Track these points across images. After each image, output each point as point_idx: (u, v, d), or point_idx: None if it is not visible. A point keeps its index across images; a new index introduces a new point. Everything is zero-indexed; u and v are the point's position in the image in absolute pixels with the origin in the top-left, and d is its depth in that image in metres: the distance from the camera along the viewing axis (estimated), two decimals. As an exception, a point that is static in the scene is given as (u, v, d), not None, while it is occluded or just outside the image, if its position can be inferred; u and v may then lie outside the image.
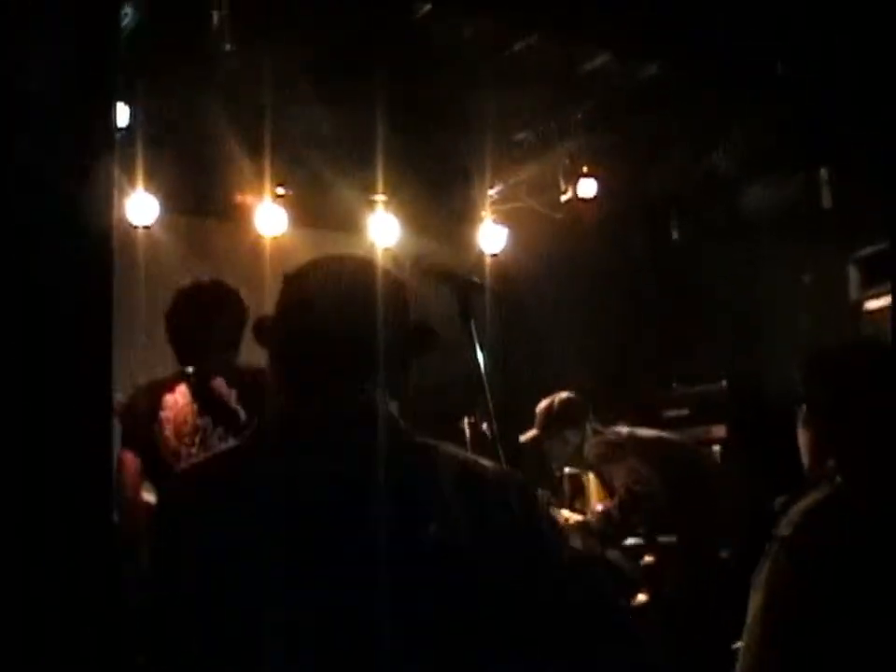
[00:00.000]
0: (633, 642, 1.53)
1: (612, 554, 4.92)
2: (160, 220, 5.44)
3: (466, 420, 4.27)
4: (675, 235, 6.24)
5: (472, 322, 2.39)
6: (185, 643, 1.48)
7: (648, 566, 4.84)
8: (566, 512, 4.86)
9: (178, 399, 3.36)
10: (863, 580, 1.83)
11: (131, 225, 5.26)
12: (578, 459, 4.94)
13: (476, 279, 2.57)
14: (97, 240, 1.89)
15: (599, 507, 4.81)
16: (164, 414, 3.34)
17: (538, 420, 4.94)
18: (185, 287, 3.47)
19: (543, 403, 4.94)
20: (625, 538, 4.79)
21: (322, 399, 1.56)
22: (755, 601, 1.89)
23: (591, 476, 4.95)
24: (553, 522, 1.60)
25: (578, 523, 4.79)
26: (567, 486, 5.32)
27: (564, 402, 4.90)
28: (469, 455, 1.60)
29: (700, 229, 6.17)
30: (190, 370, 3.36)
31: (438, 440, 1.58)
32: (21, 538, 1.74)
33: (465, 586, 1.46)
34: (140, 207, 5.26)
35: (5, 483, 1.74)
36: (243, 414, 3.27)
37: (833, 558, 1.86)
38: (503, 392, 4.57)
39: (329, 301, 1.58)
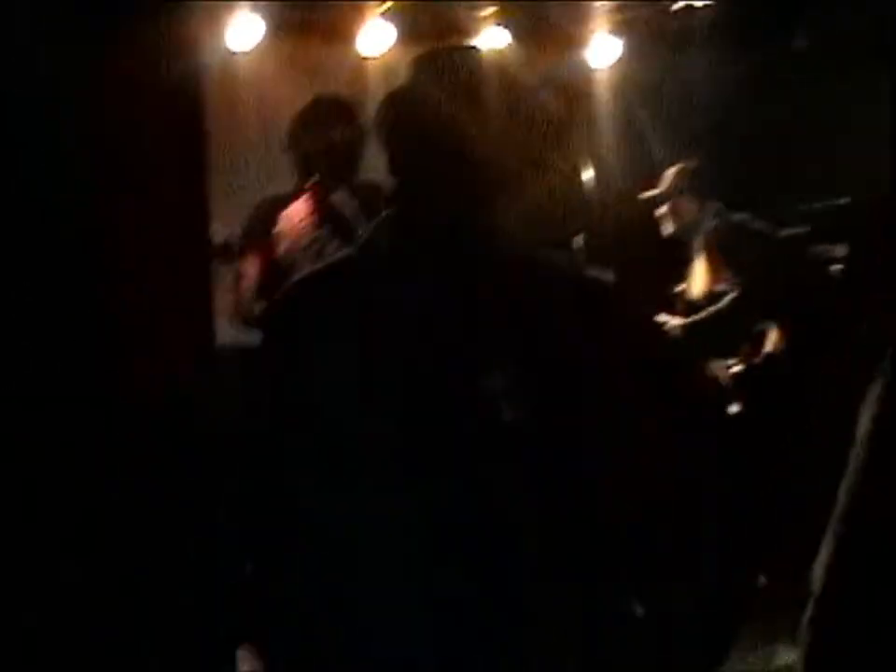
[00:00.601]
0: None
1: (711, 362, 4.85)
2: (261, 45, 5.31)
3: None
4: (799, 42, 5.89)
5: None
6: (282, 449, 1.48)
7: (743, 372, 4.77)
8: (664, 316, 4.74)
9: (298, 211, 3.43)
10: None
11: (229, 52, 5.14)
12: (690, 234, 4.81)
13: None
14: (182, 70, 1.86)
15: None
16: (280, 227, 3.42)
17: (664, 180, 4.84)
18: (306, 104, 3.52)
19: (675, 166, 4.84)
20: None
21: (436, 207, 1.51)
22: (866, 417, 1.82)
23: (699, 269, 4.79)
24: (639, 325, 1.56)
25: (680, 327, 4.70)
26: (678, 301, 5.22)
27: (692, 169, 4.81)
28: (567, 264, 1.55)
29: (827, 34, 5.80)
30: (311, 183, 3.41)
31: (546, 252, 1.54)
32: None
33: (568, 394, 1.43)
34: (241, 29, 5.11)
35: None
36: (362, 226, 3.29)
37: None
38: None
39: (449, 91, 1.50)
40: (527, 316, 1.45)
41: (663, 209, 4.86)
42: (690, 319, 4.71)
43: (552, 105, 2.37)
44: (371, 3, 5.39)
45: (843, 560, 1.75)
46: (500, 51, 5.44)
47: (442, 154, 1.48)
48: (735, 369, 4.81)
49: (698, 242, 4.72)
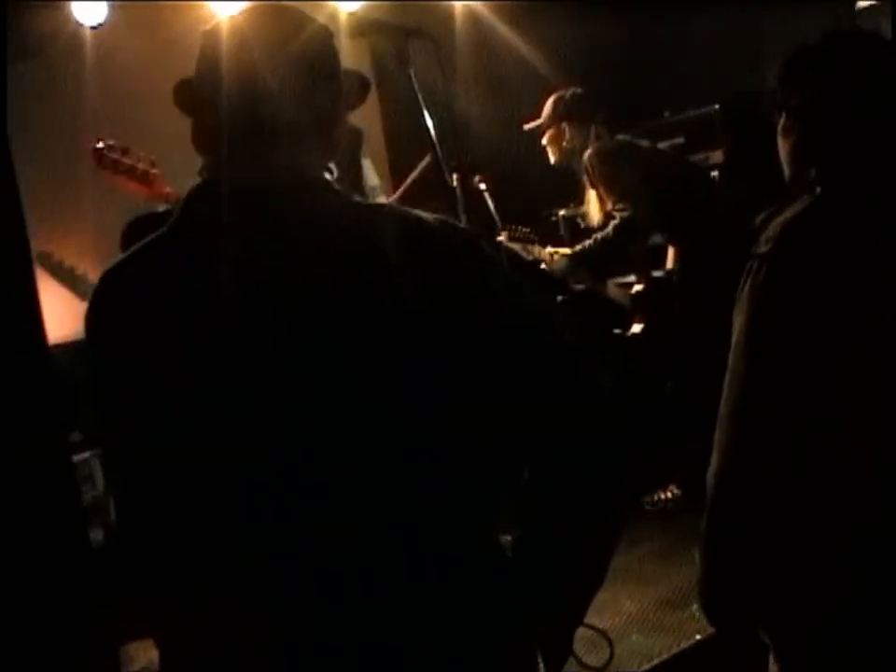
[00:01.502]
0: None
1: (607, 286, 4.88)
2: (110, 17, 5.12)
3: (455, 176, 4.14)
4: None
5: (412, 71, 2.24)
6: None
7: (639, 294, 4.82)
8: (550, 249, 4.77)
9: None
10: (850, 292, 1.74)
11: (78, 24, 4.96)
12: (573, 159, 4.81)
13: (414, 26, 2.39)
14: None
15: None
16: None
17: (545, 109, 4.81)
18: None
19: (554, 95, 4.81)
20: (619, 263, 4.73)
21: (247, 165, 1.44)
22: (738, 322, 1.81)
23: (592, 195, 4.78)
24: (503, 266, 1.50)
25: (566, 256, 4.71)
26: (564, 229, 5.24)
27: (575, 94, 4.79)
28: (414, 212, 1.49)
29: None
30: None
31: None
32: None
33: (420, 352, 1.38)
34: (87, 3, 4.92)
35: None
36: None
37: (816, 271, 1.75)
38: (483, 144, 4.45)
39: (249, 54, 1.43)
40: (360, 274, 1.39)
41: (545, 138, 4.85)
42: (576, 248, 4.71)
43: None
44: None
45: (728, 474, 1.76)
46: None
47: (240, 111, 1.43)
48: (636, 288, 4.85)
49: (583, 167, 4.70)
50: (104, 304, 1.47)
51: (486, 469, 1.45)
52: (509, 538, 1.49)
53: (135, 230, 3.47)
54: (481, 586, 1.42)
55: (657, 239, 4.88)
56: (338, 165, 1.49)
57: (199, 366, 1.36)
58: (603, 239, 4.58)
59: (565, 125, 4.75)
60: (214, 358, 1.36)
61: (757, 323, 1.78)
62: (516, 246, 4.71)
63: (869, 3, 4.83)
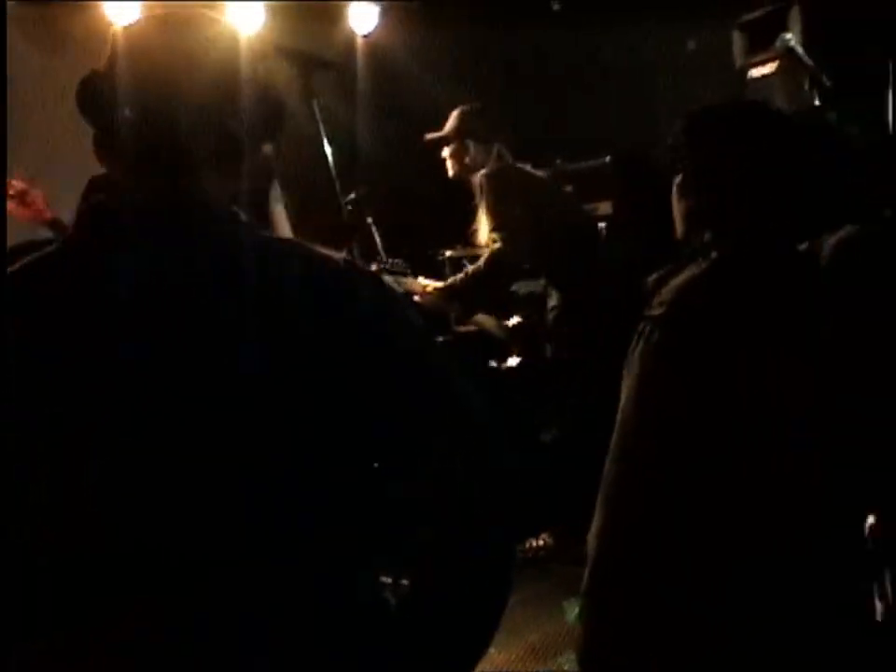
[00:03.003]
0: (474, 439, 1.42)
1: (480, 318, 4.89)
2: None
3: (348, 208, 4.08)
4: (555, 6, 5.97)
5: (316, 102, 2.19)
6: None
7: (518, 326, 4.83)
8: (423, 280, 4.73)
9: None
10: (741, 357, 1.75)
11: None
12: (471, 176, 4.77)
13: (322, 56, 2.34)
14: None
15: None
16: None
17: (449, 122, 4.78)
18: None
19: (458, 109, 4.79)
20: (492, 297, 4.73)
21: (144, 186, 1.35)
22: (627, 383, 1.81)
23: (482, 215, 4.74)
24: (409, 317, 1.45)
25: (441, 288, 4.70)
26: (449, 269, 5.23)
27: (477, 109, 4.77)
28: (320, 251, 1.42)
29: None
30: None
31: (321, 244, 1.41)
32: None
33: (311, 395, 1.32)
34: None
35: None
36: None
37: (709, 336, 1.76)
38: (376, 178, 4.43)
39: (161, 61, 1.34)
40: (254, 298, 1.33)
41: (446, 151, 4.81)
42: (448, 281, 4.69)
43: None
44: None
45: (611, 531, 1.75)
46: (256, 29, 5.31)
47: (148, 124, 1.35)
48: (514, 321, 4.86)
49: (476, 186, 4.69)
50: None
51: (365, 512, 1.40)
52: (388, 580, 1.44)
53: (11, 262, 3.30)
54: (354, 630, 1.37)
55: (538, 286, 4.91)
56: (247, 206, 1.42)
57: (68, 390, 1.29)
58: (474, 273, 4.57)
59: (469, 141, 4.73)
60: (84, 384, 1.28)
61: (646, 385, 1.78)
62: (388, 279, 4.65)
63: (760, 73, 4.97)
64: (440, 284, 4.71)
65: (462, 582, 1.37)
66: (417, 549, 1.39)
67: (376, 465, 1.40)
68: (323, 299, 1.35)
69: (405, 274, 4.72)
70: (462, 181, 4.79)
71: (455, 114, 4.80)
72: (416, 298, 4.68)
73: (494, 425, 1.41)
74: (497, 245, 4.50)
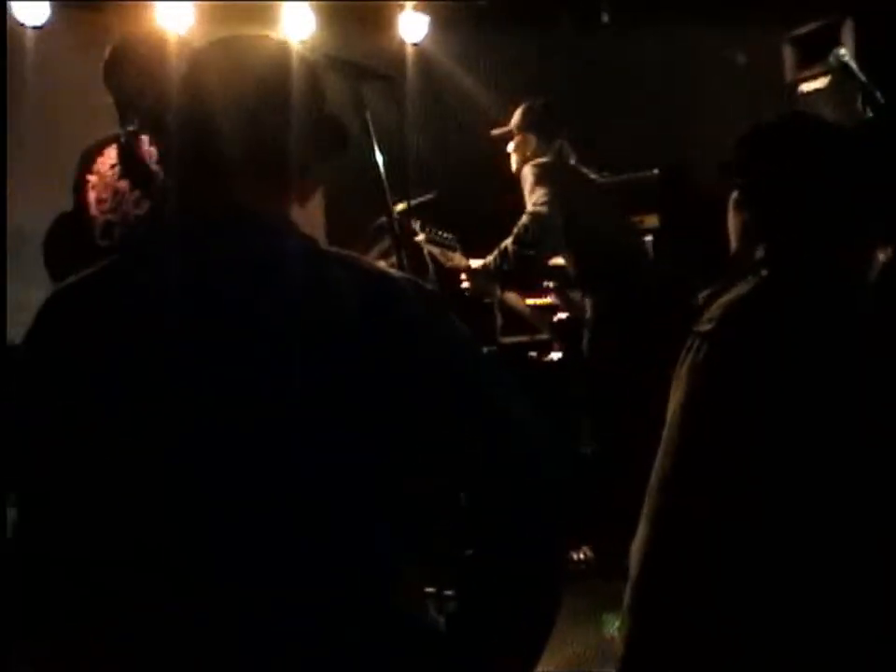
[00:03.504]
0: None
1: (511, 297, 4.84)
2: (53, 17, 5.04)
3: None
4: (604, 18, 5.97)
5: (367, 113, 2.20)
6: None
7: (560, 323, 4.80)
8: (463, 259, 4.71)
9: (106, 161, 3.20)
10: (791, 378, 1.73)
11: (19, 24, 4.87)
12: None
13: (372, 66, 2.36)
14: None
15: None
16: (91, 178, 3.19)
17: (514, 118, 4.79)
18: (119, 42, 3.24)
19: (524, 103, 4.79)
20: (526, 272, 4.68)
21: (211, 200, 1.38)
22: (675, 398, 1.80)
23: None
24: (466, 336, 1.45)
25: (477, 268, 4.66)
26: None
27: (543, 105, 4.78)
28: (379, 267, 1.44)
29: (631, 10, 5.90)
30: (124, 130, 3.17)
31: (351, 248, 1.42)
32: None
33: (365, 410, 1.33)
34: (28, 3, 4.85)
35: None
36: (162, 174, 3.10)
37: (758, 355, 1.75)
38: (427, 187, 4.44)
39: (227, 82, 1.38)
40: (311, 322, 1.34)
41: (511, 146, 4.80)
42: (483, 261, 4.66)
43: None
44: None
45: (656, 547, 1.74)
46: (305, 38, 5.35)
47: (216, 144, 1.37)
48: (558, 316, 4.82)
49: (524, 173, 4.66)
50: (46, 328, 1.38)
51: (413, 522, 1.41)
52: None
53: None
54: (398, 652, 1.37)
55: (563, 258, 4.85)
56: None
57: (130, 402, 1.30)
58: (504, 249, 4.55)
59: (531, 135, 4.73)
60: (145, 396, 1.30)
61: (694, 401, 1.77)
62: (435, 250, 4.61)
63: (811, 87, 4.93)
64: (479, 262, 4.68)
65: (512, 598, 1.37)
66: (466, 562, 1.39)
67: (425, 475, 1.40)
68: (373, 311, 1.35)
69: (454, 249, 4.67)
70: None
71: (520, 109, 4.80)
72: (462, 277, 4.64)
73: (542, 437, 1.41)
74: (524, 219, 4.48)
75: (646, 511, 1.77)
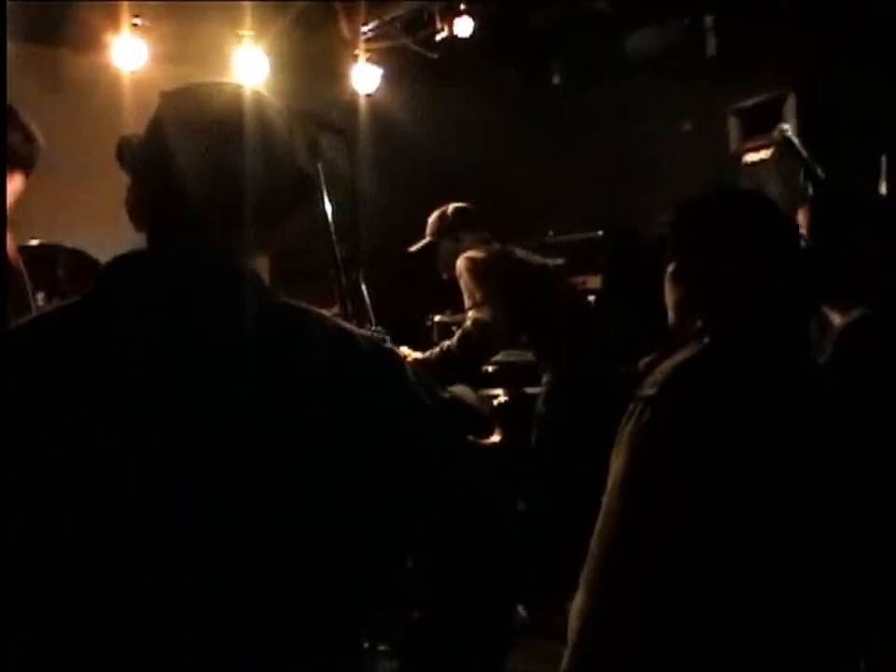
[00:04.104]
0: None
1: (457, 389, 4.86)
2: (8, 51, 4.99)
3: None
4: (555, 79, 6.07)
5: (319, 164, 2.21)
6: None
7: (501, 405, 4.81)
8: (406, 350, 4.72)
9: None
10: (733, 442, 1.74)
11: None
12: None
13: (325, 117, 2.38)
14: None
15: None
16: None
17: (430, 226, 4.81)
18: None
19: (436, 212, 4.81)
20: (468, 372, 4.71)
21: (180, 244, 1.36)
22: (616, 462, 1.80)
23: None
24: (425, 398, 1.45)
25: (417, 360, 4.68)
26: (437, 335, 5.23)
27: (459, 208, 4.79)
28: (341, 323, 1.43)
29: (580, 73, 6.01)
30: None
31: (304, 299, 1.41)
32: None
33: (329, 471, 1.32)
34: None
35: None
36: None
37: (700, 419, 1.76)
38: (374, 238, 4.45)
39: (201, 127, 1.37)
40: (280, 375, 1.32)
41: (441, 251, 4.83)
42: (425, 355, 4.67)
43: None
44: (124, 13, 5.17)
45: (596, 613, 1.73)
46: (259, 84, 5.37)
47: (179, 193, 1.36)
48: (500, 399, 4.84)
49: (458, 268, 4.67)
50: (4, 366, 1.35)
51: (373, 584, 1.39)
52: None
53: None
54: None
55: (520, 356, 4.90)
56: None
57: (90, 454, 1.27)
58: (448, 349, 4.55)
59: (462, 234, 4.74)
60: (105, 449, 1.27)
61: (636, 465, 1.77)
62: None
63: (754, 158, 5.04)
64: (418, 355, 4.69)
65: (457, 660, 1.37)
66: (412, 624, 1.38)
67: (388, 536, 1.39)
68: (332, 366, 1.35)
69: (383, 341, 4.67)
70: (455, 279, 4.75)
71: (435, 216, 4.81)
72: None
73: (492, 501, 1.41)
74: (468, 324, 4.49)
75: (586, 574, 1.77)
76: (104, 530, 1.27)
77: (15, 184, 2.86)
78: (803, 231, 2.68)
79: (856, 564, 1.84)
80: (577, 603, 1.76)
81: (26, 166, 2.87)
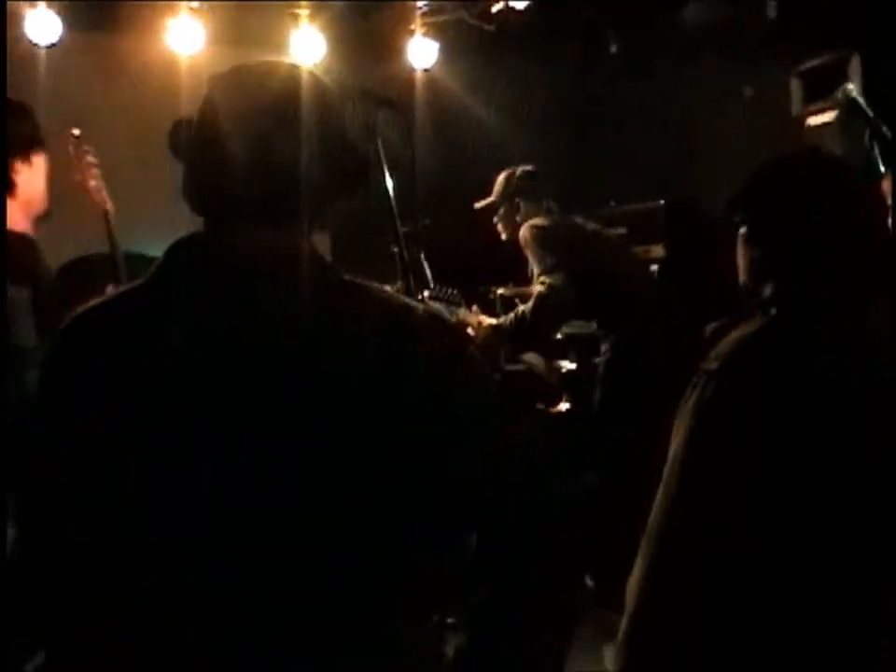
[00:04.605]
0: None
1: (529, 357, 4.87)
2: (65, 39, 5.07)
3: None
4: (612, 49, 5.99)
5: (379, 141, 2.22)
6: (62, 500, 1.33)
7: (570, 372, 4.80)
8: (481, 316, 4.73)
9: None
10: (795, 420, 1.72)
11: (31, 43, 4.90)
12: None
13: (383, 94, 2.37)
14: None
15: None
16: None
17: (496, 187, 4.82)
18: None
19: (504, 172, 4.82)
20: (541, 339, 4.72)
21: (237, 228, 1.37)
22: (678, 435, 1.79)
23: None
24: (484, 375, 1.45)
25: (491, 326, 4.69)
26: (500, 308, 5.22)
27: (526, 171, 4.81)
28: (402, 299, 1.43)
29: (638, 43, 5.93)
30: None
31: (365, 276, 1.42)
32: None
33: (383, 445, 1.32)
34: (41, 24, 4.89)
35: None
36: None
37: (764, 395, 1.74)
38: (434, 213, 4.46)
39: (255, 110, 1.38)
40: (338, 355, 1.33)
41: (498, 215, 4.85)
42: (499, 321, 4.69)
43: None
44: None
45: (652, 583, 1.73)
46: (315, 63, 5.38)
47: (234, 177, 1.36)
48: (567, 367, 4.84)
49: (523, 236, 4.68)
50: (68, 350, 1.38)
51: (425, 562, 1.40)
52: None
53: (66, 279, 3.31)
54: None
55: (588, 327, 4.89)
56: None
57: (153, 432, 1.30)
58: (522, 315, 4.56)
59: (518, 201, 4.76)
60: (169, 426, 1.29)
61: (697, 439, 1.76)
62: (440, 306, 4.62)
63: (817, 121, 4.95)
64: (493, 321, 4.71)
65: (521, 634, 1.37)
66: (478, 601, 1.39)
67: (439, 516, 1.39)
68: (394, 344, 1.35)
69: (459, 305, 4.71)
70: (515, 242, 4.78)
71: (502, 178, 4.85)
72: (470, 331, 4.67)
73: (551, 475, 1.41)
74: (542, 289, 4.50)
75: (644, 546, 1.77)
76: (105, 530, 1.29)
77: (42, 163, 2.91)
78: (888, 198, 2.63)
79: None
80: (634, 573, 1.76)
81: (39, 144, 2.91)
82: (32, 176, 2.81)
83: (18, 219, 2.73)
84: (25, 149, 2.78)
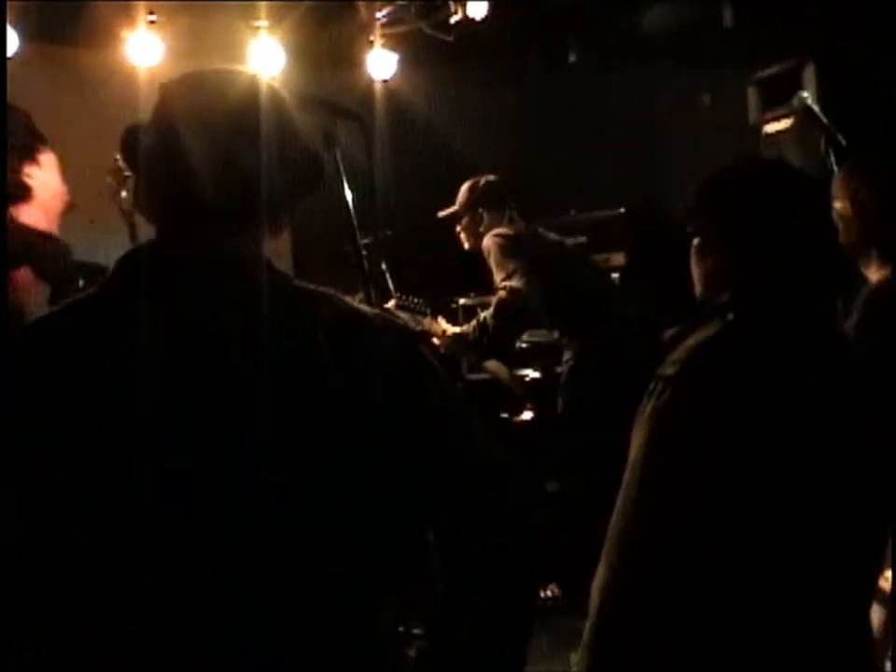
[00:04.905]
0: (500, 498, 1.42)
1: (492, 365, 4.90)
2: (22, 51, 5.03)
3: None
4: (571, 57, 6.04)
5: (338, 151, 2.23)
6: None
7: (534, 381, 4.83)
8: (444, 324, 4.77)
9: None
10: (753, 424, 1.74)
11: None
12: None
13: (341, 104, 2.38)
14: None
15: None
16: None
17: (460, 197, 4.85)
18: None
19: (468, 182, 4.85)
20: (504, 347, 4.75)
21: (194, 234, 1.37)
22: (637, 440, 1.80)
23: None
24: (439, 373, 1.45)
25: (455, 335, 4.70)
26: (462, 318, 5.25)
27: (490, 182, 4.85)
28: (352, 304, 1.43)
29: (597, 50, 5.97)
30: None
31: (321, 284, 1.42)
32: None
33: (341, 447, 1.33)
34: (-3, 37, 4.85)
35: None
36: None
37: (721, 400, 1.75)
38: (399, 222, 4.48)
39: (209, 117, 1.37)
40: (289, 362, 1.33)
41: (461, 225, 4.87)
42: (461, 329, 4.71)
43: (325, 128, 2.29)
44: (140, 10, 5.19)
45: (615, 588, 1.74)
46: (274, 75, 5.37)
47: (190, 184, 1.36)
48: (532, 376, 4.86)
49: (486, 246, 4.73)
50: (25, 360, 1.36)
51: (391, 564, 1.40)
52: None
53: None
54: None
55: (548, 336, 4.92)
56: None
57: (112, 439, 1.29)
58: (484, 321, 4.59)
59: (482, 211, 4.78)
60: (127, 434, 1.28)
61: (655, 444, 1.77)
62: (405, 315, 4.64)
63: (774, 129, 5.00)
64: (457, 329, 4.72)
65: (483, 636, 1.37)
66: (436, 600, 1.39)
67: (403, 514, 1.40)
68: (348, 348, 1.35)
69: (424, 314, 4.73)
70: (477, 251, 4.81)
71: (465, 188, 4.87)
72: (434, 340, 4.68)
73: (515, 478, 1.42)
74: (503, 293, 4.52)
75: (605, 551, 1.77)
76: (105, 529, 1.28)
77: (50, 158, 2.88)
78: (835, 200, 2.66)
79: (879, 548, 1.84)
80: (597, 578, 1.77)
81: (41, 141, 2.89)
82: (45, 176, 2.78)
83: (41, 221, 2.71)
84: (31, 151, 2.76)
